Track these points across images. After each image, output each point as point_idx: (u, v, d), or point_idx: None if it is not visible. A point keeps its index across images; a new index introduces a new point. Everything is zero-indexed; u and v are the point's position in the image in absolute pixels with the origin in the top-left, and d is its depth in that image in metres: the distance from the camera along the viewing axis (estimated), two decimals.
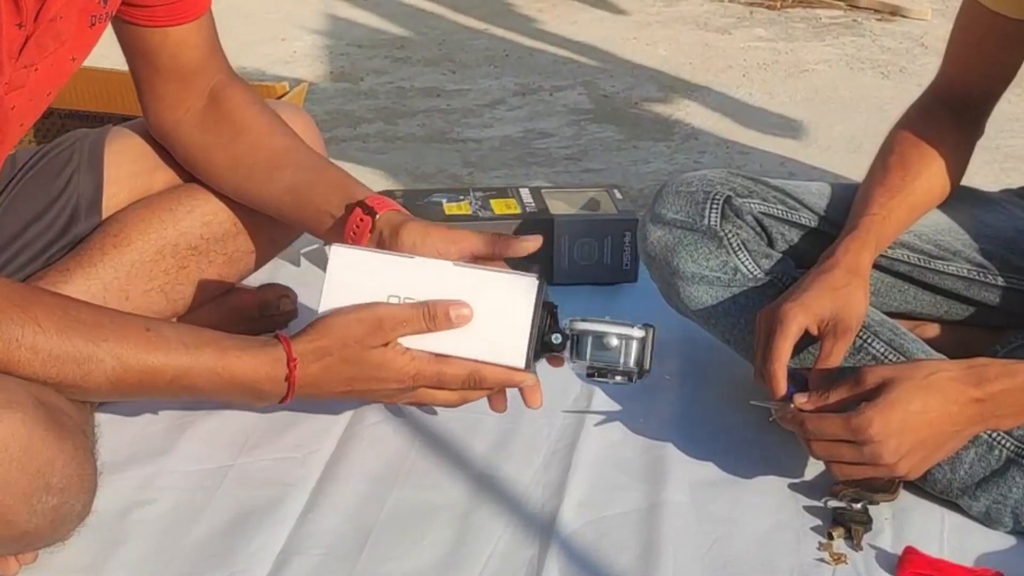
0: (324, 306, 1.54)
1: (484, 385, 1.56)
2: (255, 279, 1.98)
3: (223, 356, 1.50)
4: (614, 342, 1.57)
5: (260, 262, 1.95)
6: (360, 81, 3.46)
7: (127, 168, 1.86)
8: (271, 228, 1.86)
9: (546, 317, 1.56)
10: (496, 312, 1.53)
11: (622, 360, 1.58)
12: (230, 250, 1.87)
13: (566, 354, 1.59)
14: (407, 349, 1.52)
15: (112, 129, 1.89)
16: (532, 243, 1.64)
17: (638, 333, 1.58)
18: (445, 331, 1.52)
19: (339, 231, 1.70)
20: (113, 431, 1.72)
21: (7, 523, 1.38)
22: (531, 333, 1.53)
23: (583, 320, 1.58)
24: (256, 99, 1.83)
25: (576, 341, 1.58)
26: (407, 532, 1.61)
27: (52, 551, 1.51)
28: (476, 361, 1.53)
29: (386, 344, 1.52)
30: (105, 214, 1.84)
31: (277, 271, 2.13)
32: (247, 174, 1.79)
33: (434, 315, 1.51)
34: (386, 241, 1.66)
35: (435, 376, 1.54)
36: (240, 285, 1.95)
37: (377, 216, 1.67)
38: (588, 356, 1.58)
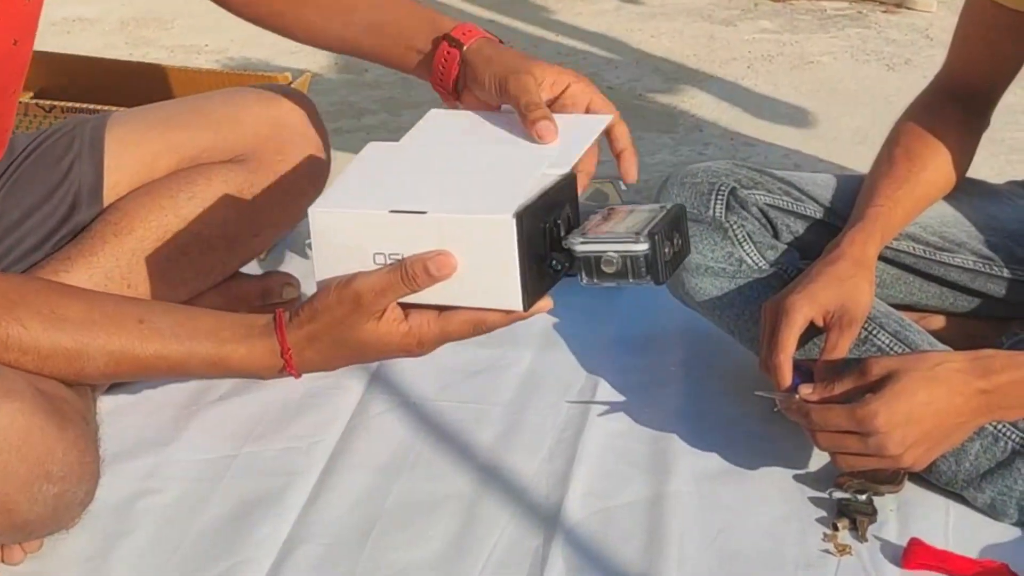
0: (318, 275, 1.45)
1: (492, 329, 1.44)
2: (258, 267, 1.98)
3: (219, 348, 1.48)
4: (616, 262, 1.43)
5: (262, 247, 1.95)
6: (364, 72, 3.46)
7: (128, 155, 1.85)
8: (274, 212, 1.86)
9: (545, 242, 1.42)
10: (482, 256, 1.39)
11: (632, 277, 1.44)
12: (231, 236, 1.87)
13: (579, 278, 1.45)
14: (404, 318, 1.43)
15: (112, 115, 1.89)
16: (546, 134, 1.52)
17: (641, 247, 1.42)
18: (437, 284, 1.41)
19: (427, 66, 1.65)
20: (118, 420, 1.72)
21: (8, 512, 1.39)
22: (522, 273, 1.38)
23: (582, 239, 1.43)
24: None
25: (580, 263, 1.44)
26: (412, 522, 1.61)
27: (57, 539, 1.51)
28: (476, 309, 1.42)
29: (379, 317, 1.42)
30: (106, 202, 1.84)
31: (283, 261, 2.13)
32: (322, 20, 1.72)
33: (413, 275, 1.38)
34: (478, 72, 1.59)
35: (439, 337, 1.44)
36: (243, 272, 1.94)
37: (464, 48, 1.61)
38: (596, 278, 1.44)
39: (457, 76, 1.62)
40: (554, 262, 1.43)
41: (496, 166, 1.48)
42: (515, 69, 1.57)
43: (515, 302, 1.40)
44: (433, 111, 1.61)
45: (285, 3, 1.74)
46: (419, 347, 1.45)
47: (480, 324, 1.43)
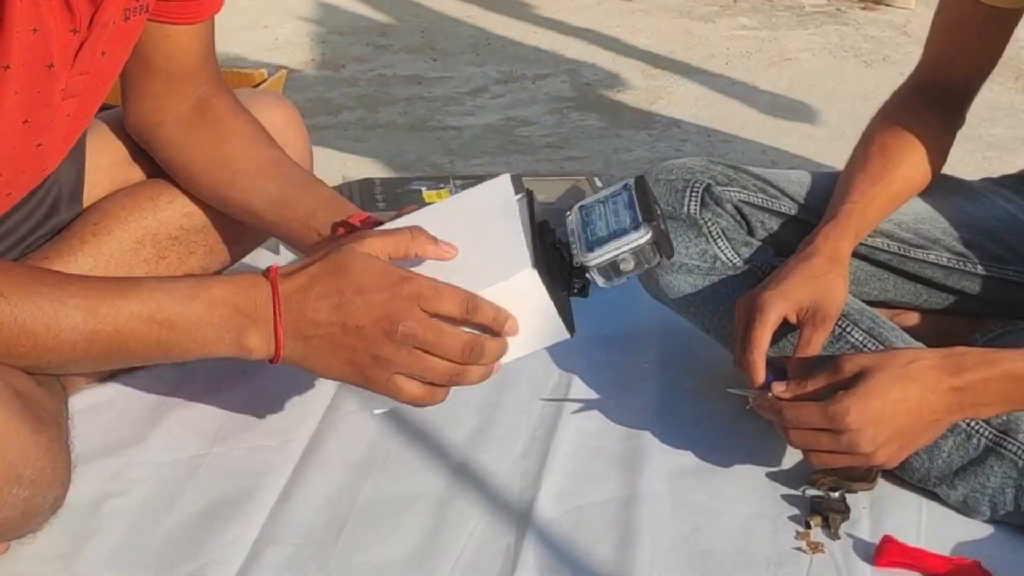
0: None
1: (480, 314, 1.43)
2: (235, 269, 1.96)
3: (200, 282, 1.44)
4: (631, 259, 1.48)
5: (241, 253, 1.94)
6: (341, 68, 3.45)
7: (109, 157, 1.85)
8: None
9: (559, 269, 1.49)
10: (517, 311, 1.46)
11: (646, 264, 1.49)
12: (211, 240, 1.86)
13: (595, 284, 1.51)
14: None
15: (93, 118, 1.88)
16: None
17: (646, 236, 1.47)
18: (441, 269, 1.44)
19: (321, 248, 1.68)
20: (87, 421, 1.70)
21: None
22: (557, 307, 1.46)
23: (591, 254, 1.48)
24: (243, 110, 1.80)
25: (596, 273, 1.49)
26: (383, 521, 1.60)
27: (24, 542, 1.49)
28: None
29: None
30: (86, 203, 1.83)
31: (257, 259, 2.12)
32: (228, 180, 1.77)
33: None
34: None
35: (430, 290, 1.41)
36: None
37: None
38: (614, 279, 1.50)
39: None
40: (574, 285, 1.50)
41: (474, 236, 1.49)
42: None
43: (562, 333, 1.48)
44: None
45: (205, 162, 1.77)
46: (407, 284, 1.41)
47: (472, 301, 1.43)
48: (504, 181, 1.54)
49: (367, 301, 1.41)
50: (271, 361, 1.45)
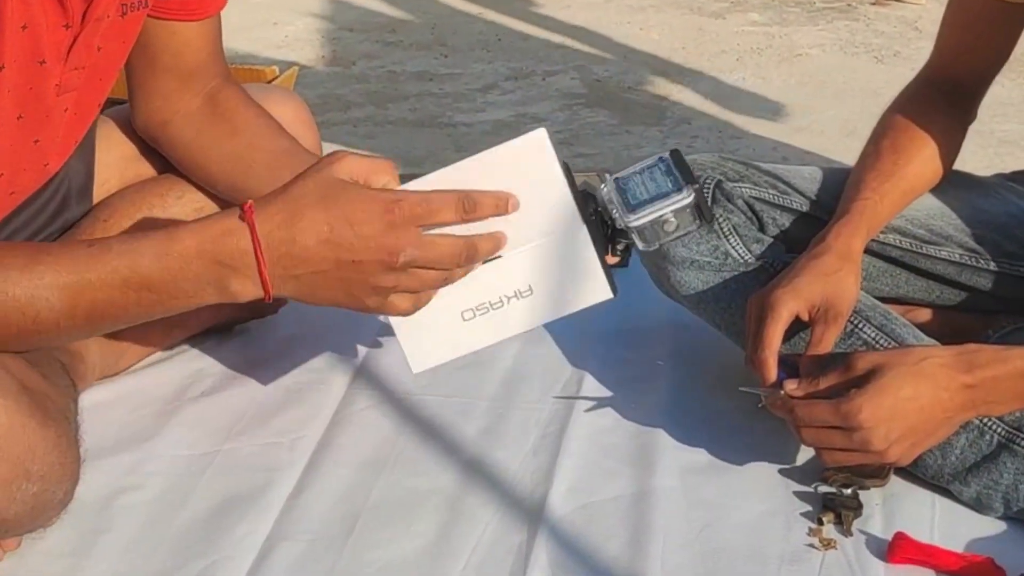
0: None
1: (480, 209, 1.41)
2: None
3: (170, 235, 1.37)
4: (672, 220, 1.51)
5: None
6: (352, 65, 3.45)
7: (118, 153, 1.85)
8: None
9: (604, 231, 1.51)
10: (564, 265, 1.48)
11: (684, 228, 1.53)
12: None
13: (635, 247, 1.55)
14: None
15: (103, 114, 1.88)
16: None
17: (689, 198, 1.50)
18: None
19: None
20: (99, 417, 1.71)
21: None
22: (603, 266, 1.48)
23: (633, 215, 1.51)
24: (253, 103, 1.80)
25: (638, 233, 1.52)
26: (395, 518, 1.60)
27: (36, 537, 1.50)
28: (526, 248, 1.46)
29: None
30: (96, 199, 1.83)
31: None
32: (243, 171, 1.76)
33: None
34: None
35: (422, 204, 1.38)
36: None
37: None
38: (655, 241, 1.54)
39: None
40: (618, 244, 1.52)
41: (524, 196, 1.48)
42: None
43: (605, 292, 1.51)
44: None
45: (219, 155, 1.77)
46: (398, 207, 1.37)
47: (468, 199, 1.40)
48: (540, 136, 1.47)
49: (360, 234, 1.35)
50: (263, 300, 1.40)
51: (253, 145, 1.77)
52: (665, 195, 1.51)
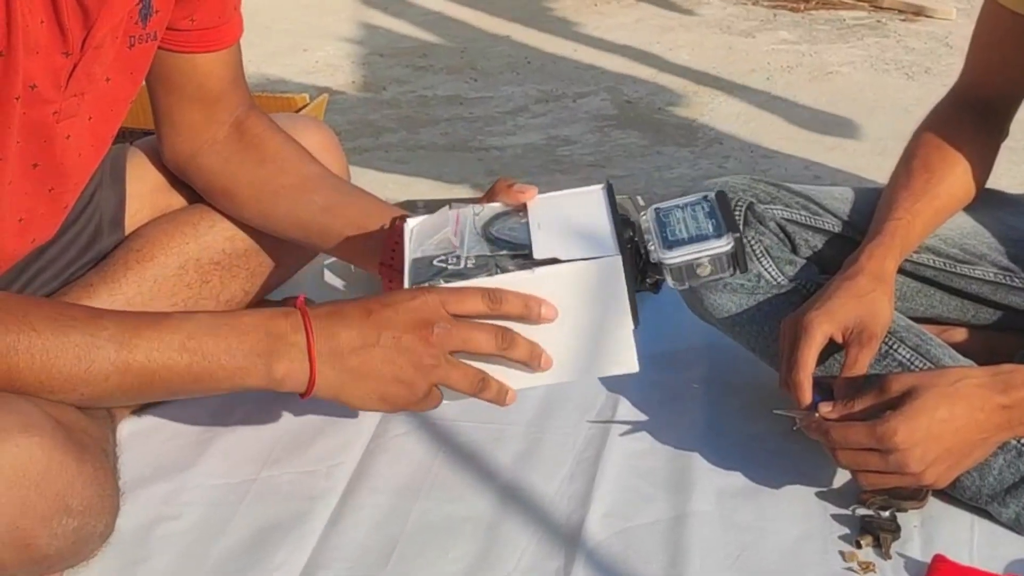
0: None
1: (506, 305, 1.48)
2: (278, 293, 1.97)
3: (230, 311, 1.51)
4: (707, 265, 1.53)
5: (283, 277, 1.95)
6: (382, 90, 3.46)
7: (149, 183, 1.87)
8: (294, 243, 1.86)
9: (637, 262, 1.53)
10: (591, 294, 1.48)
11: (718, 273, 1.54)
12: (253, 265, 1.87)
13: (667, 282, 1.56)
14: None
15: (133, 145, 1.90)
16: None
17: (727, 247, 1.52)
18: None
19: (374, 249, 1.70)
20: (136, 447, 1.72)
21: (27, 547, 1.37)
22: (630, 295, 1.48)
23: (670, 253, 1.52)
24: (280, 130, 1.82)
25: (670, 271, 1.54)
26: (432, 545, 1.60)
27: (77, 570, 1.50)
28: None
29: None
30: (128, 230, 1.85)
31: (300, 284, 2.13)
32: (273, 198, 1.78)
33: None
34: None
35: (451, 292, 1.47)
36: (267, 300, 1.94)
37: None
38: (687, 282, 1.54)
39: None
40: (647, 278, 1.53)
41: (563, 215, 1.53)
42: None
43: (628, 323, 1.49)
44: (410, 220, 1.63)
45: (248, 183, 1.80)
46: (430, 291, 1.47)
47: (494, 292, 1.47)
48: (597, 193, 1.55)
49: (397, 310, 1.45)
50: (302, 395, 1.46)
51: (281, 171, 1.78)
52: (704, 238, 1.52)
